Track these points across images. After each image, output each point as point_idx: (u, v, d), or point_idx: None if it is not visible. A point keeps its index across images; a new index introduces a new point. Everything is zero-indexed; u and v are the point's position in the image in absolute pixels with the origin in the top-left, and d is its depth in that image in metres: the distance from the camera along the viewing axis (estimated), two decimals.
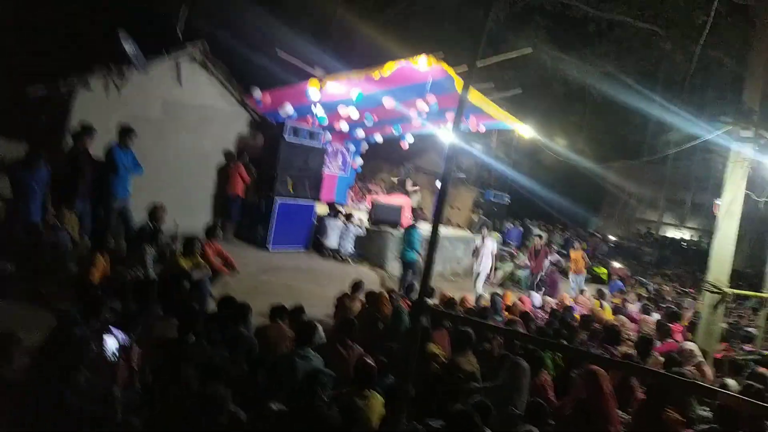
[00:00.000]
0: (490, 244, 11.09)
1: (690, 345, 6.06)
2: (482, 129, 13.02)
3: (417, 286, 8.36)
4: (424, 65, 8.86)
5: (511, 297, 8.45)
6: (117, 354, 3.46)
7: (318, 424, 3.04)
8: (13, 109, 7.13)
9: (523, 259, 13.70)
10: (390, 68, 9.12)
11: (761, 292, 7.51)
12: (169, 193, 7.90)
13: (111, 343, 3.46)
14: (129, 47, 7.63)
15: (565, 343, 5.51)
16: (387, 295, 7.02)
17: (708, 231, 17.12)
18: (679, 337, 7.20)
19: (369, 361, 4.09)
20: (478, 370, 5.03)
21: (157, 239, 6.48)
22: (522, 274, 13.04)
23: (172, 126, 8.89)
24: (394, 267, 11.07)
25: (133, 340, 3.75)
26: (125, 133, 7.06)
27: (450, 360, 5.09)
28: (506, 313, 7.54)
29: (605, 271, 15.78)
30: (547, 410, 4.17)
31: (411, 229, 9.51)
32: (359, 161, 15.59)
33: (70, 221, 6.36)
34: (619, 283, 12.92)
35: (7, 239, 5.52)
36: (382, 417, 3.77)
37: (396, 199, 13.36)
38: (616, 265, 16.19)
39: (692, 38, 15.51)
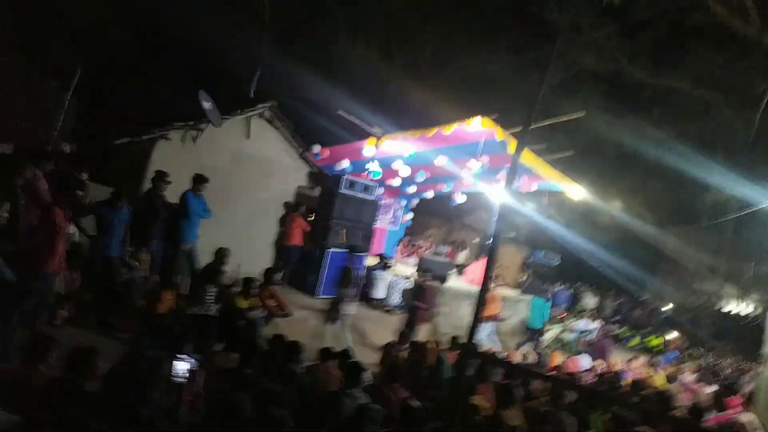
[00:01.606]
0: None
1: (748, 416, 5.83)
2: (534, 188, 13.18)
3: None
4: (477, 126, 9.25)
5: (559, 357, 8.34)
6: (185, 376, 3.77)
7: None
8: (102, 158, 7.95)
9: (572, 322, 13.42)
10: (447, 130, 9.55)
11: None
12: (232, 239, 8.38)
13: (180, 366, 3.78)
14: (207, 105, 8.41)
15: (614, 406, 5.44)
16: (432, 346, 7.12)
17: None
18: (736, 409, 6.89)
19: (414, 403, 4.23)
20: (524, 425, 5.03)
21: (219, 279, 6.91)
22: (570, 337, 12.75)
23: (238, 176, 9.56)
24: (439, 322, 11.12)
25: (199, 366, 4.06)
26: (199, 180, 7.68)
27: (495, 413, 5.12)
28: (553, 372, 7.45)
29: (661, 340, 15.18)
30: None
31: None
32: (409, 216, 15.94)
33: (143, 259, 6.90)
34: (675, 353, 12.41)
35: (88, 272, 6.06)
36: None
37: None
38: (673, 335, 15.55)
39: (751, 107, 15.39)
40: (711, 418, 6.12)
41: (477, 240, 15.61)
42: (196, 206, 7.57)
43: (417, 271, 11.96)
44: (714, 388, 8.14)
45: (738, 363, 12.83)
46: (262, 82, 9.88)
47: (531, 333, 11.74)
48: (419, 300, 9.16)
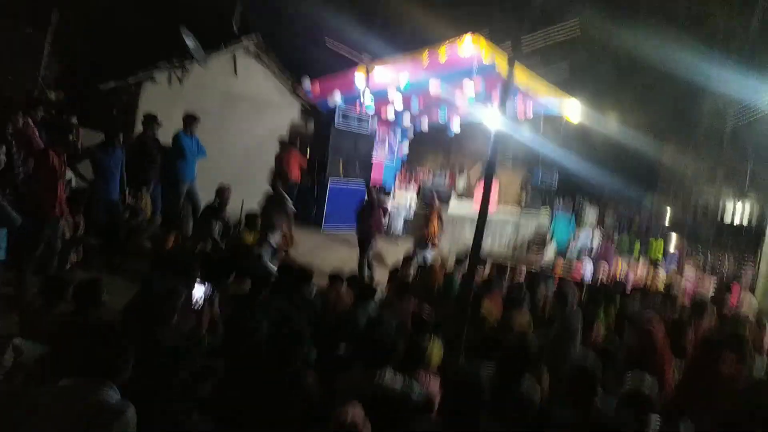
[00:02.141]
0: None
1: (746, 304, 6.02)
2: (529, 114, 13.01)
3: None
4: (469, 44, 9.01)
5: (562, 264, 8.51)
6: (202, 303, 3.86)
7: (384, 357, 3.28)
8: (88, 103, 7.79)
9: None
10: (439, 52, 9.30)
11: None
12: (229, 178, 8.36)
13: (195, 292, 3.87)
14: (190, 42, 8.16)
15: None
16: (438, 267, 7.24)
17: None
18: (737, 296, 7.09)
19: (425, 312, 4.35)
20: (531, 325, 5.20)
21: (222, 216, 6.94)
22: (573, 249, 12.94)
23: (230, 115, 9.43)
24: (443, 245, 11.27)
25: (214, 292, 4.15)
26: (190, 120, 7.57)
27: (502, 318, 5.28)
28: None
29: (662, 244, 15.36)
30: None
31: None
32: (405, 148, 15.83)
33: (144, 202, 6.90)
34: (676, 254, 12.61)
35: (90, 216, 6.08)
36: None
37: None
38: (674, 238, 15.74)
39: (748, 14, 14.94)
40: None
41: (479, 165, 15.56)
42: (189, 145, 7.50)
43: (417, 197, 12.03)
44: (715, 282, 8.36)
45: (738, 260, 13.05)
46: (245, 15, 9.54)
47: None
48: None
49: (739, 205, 25.60)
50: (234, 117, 9.51)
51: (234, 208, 7.80)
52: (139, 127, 7.57)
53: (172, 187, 7.44)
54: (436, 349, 4.04)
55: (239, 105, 9.60)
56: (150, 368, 2.93)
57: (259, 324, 4.03)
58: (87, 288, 3.59)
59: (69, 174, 5.76)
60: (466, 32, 8.87)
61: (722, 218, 24.51)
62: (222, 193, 7.14)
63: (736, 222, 24.62)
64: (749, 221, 23.12)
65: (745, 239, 17.43)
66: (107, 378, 2.30)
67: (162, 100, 8.27)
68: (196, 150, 7.62)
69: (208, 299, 4.06)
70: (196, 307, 3.91)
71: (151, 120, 7.26)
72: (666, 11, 18.20)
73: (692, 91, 22.47)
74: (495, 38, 9.10)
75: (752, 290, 7.63)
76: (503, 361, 3.51)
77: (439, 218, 9.21)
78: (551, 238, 13.40)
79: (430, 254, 8.60)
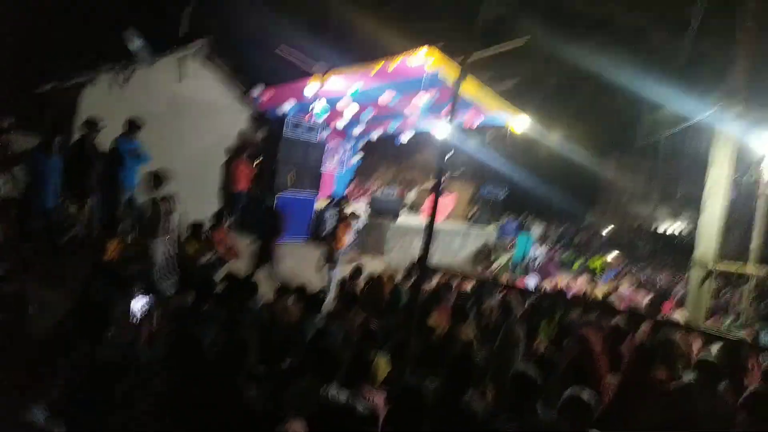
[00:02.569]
0: None
1: (677, 316, 6.35)
2: (476, 124, 13.33)
3: None
4: (422, 56, 9.14)
5: (507, 278, 8.73)
6: (141, 315, 3.71)
7: (330, 369, 3.26)
8: (25, 106, 7.40)
9: None
10: (394, 62, 9.38)
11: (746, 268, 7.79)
12: (175, 187, 8.14)
13: (134, 305, 3.72)
14: (135, 43, 7.91)
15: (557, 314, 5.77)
16: (387, 278, 7.27)
17: None
18: (669, 313, 7.48)
19: (373, 324, 4.35)
20: (477, 338, 5.29)
21: (165, 226, 6.71)
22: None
23: (175, 121, 9.15)
24: (392, 258, 11.35)
25: (154, 304, 4.00)
26: (132, 126, 7.30)
27: (450, 330, 5.34)
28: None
29: (600, 263, 16.07)
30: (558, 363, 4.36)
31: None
32: (357, 158, 15.87)
33: (82, 210, 6.60)
34: (615, 270, 13.19)
35: (24, 222, 5.76)
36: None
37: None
38: (612, 255, 16.45)
39: (679, 34, 15.89)
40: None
41: (429, 180, 15.78)
42: (128, 151, 7.23)
43: (369, 209, 12.07)
44: (650, 296, 8.77)
45: (672, 275, 13.80)
46: (195, 19, 9.34)
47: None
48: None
49: (673, 223, 27.15)
50: (181, 123, 9.25)
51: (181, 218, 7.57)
52: (78, 132, 7.24)
53: (112, 194, 7.15)
54: (381, 363, 4.05)
55: (186, 110, 9.34)
56: (84, 384, 2.80)
57: (203, 336, 3.92)
58: (10, 301, 3.39)
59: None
60: (422, 45, 8.99)
61: (655, 231, 25.94)
62: (166, 202, 6.93)
63: (669, 233, 26.12)
64: (680, 235, 24.54)
65: (679, 254, 18.44)
66: (34, 396, 2.18)
67: (104, 104, 7.94)
68: (138, 157, 7.36)
69: (147, 311, 3.92)
70: (134, 320, 3.76)
71: (90, 124, 6.97)
72: (607, 28, 19.08)
73: (630, 107, 23.68)
74: (450, 51, 9.26)
75: (682, 304, 8.05)
76: (448, 374, 3.56)
77: (348, 228, 9.14)
78: (511, 250, 13.80)
79: (337, 270, 8.47)
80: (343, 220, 9.12)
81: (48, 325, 3.80)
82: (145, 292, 4.18)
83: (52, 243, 5.98)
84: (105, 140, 7.25)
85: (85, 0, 9.07)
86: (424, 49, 8.75)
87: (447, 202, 13.97)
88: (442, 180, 4.29)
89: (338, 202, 11.22)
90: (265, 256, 7.79)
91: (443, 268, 12.51)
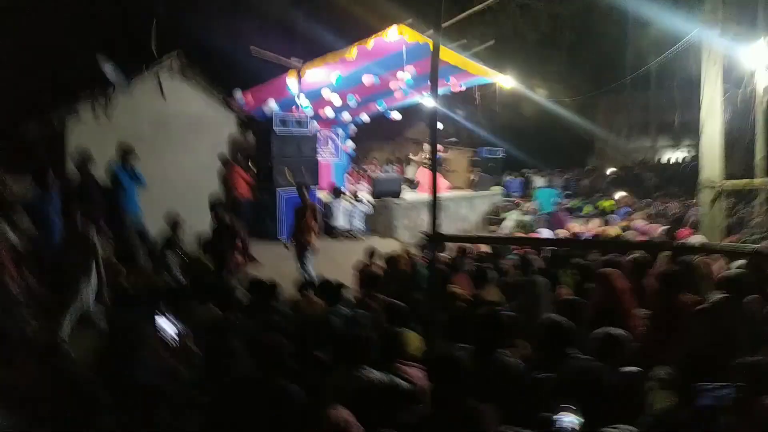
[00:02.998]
0: None
1: (697, 238, 6.35)
2: (462, 88, 13.24)
3: None
4: (394, 35, 9.08)
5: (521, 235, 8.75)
6: (174, 337, 3.76)
7: (364, 354, 3.30)
8: (11, 149, 7.41)
9: (528, 205, 13.96)
10: (366, 45, 9.33)
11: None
12: (176, 204, 8.15)
13: (162, 326, 3.77)
14: (108, 70, 7.87)
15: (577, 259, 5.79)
16: (404, 254, 7.31)
17: None
18: (685, 239, 7.46)
19: (397, 302, 4.38)
20: (502, 299, 5.32)
21: (178, 246, 6.76)
22: (529, 219, 13.30)
23: (164, 139, 9.15)
24: (404, 234, 11.38)
25: (181, 323, 4.05)
26: (125, 153, 7.31)
27: (473, 295, 5.38)
28: None
29: (611, 202, 16.01)
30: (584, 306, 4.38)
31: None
32: (350, 144, 15.83)
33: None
34: (626, 208, 13.12)
35: (37, 266, 5.80)
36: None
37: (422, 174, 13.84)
38: (620, 194, 16.38)
39: None
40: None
41: (422, 152, 15.70)
42: (124, 177, 7.25)
43: (370, 193, 12.09)
44: (664, 226, 8.75)
45: (683, 203, 13.72)
46: (163, 35, 9.26)
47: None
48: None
49: (675, 151, 26.95)
50: (169, 139, 9.24)
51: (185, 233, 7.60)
52: (69, 166, 7.27)
53: (118, 224, 7.18)
54: (412, 338, 4.09)
55: (172, 126, 9.33)
56: (130, 411, 2.85)
57: (236, 347, 3.97)
58: (50, 349, 3.45)
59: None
60: (389, 25, 8.92)
61: (659, 163, 25.77)
62: (172, 222, 6.97)
63: (672, 161, 25.94)
64: (684, 162, 24.37)
65: (685, 181, 18.32)
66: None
67: (90, 133, 7.96)
68: (135, 181, 7.38)
69: (178, 333, 3.96)
70: (168, 343, 3.81)
71: (83, 156, 6.99)
72: None
73: (615, 42, 23.42)
74: (418, 27, 9.20)
75: (696, 228, 8.03)
76: (478, 337, 3.59)
77: (314, 218, 8.28)
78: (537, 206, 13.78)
79: (311, 263, 7.81)
80: (305, 207, 8.04)
81: (83, 361, 3.87)
82: (170, 312, 4.21)
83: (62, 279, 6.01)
84: (98, 169, 7.27)
85: (54, 34, 8.97)
86: (393, 27, 8.66)
87: (425, 175, 13.83)
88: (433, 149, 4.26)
89: (340, 191, 11.23)
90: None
91: (454, 234, 12.65)
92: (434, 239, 3.80)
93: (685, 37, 7.72)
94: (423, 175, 14.03)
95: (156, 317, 3.84)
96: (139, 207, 7.44)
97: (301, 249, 7.78)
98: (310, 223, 7.89)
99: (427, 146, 15.34)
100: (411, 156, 15.06)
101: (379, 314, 4.64)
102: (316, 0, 15.19)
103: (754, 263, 4.50)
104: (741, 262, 5.03)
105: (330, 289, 5.04)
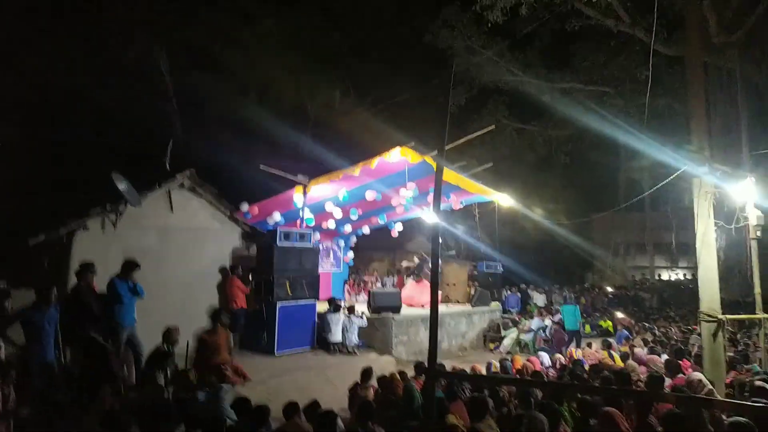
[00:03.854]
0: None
1: (697, 375, 6.20)
2: (462, 205, 13.64)
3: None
4: (397, 156, 9.54)
5: (520, 360, 8.53)
6: None
7: None
8: (18, 259, 7.52)
9: (527, 323, 13.79)
10: (370, 165, 9.78)
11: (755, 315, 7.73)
12: (173, 316, 8.07)
13: None
14: (122, 186, 8.18)
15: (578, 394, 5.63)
16: (398, 377, 7.11)
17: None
18: (688, 371, 7.30)
19: None
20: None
21: (167, 363, 6.61)
22: (527, 338, 13.10)
23: (167, 251, 9.31)
24: (401, 351, 11.14)
25: None
26: (129, 267, 7.35)
27: (470, 428, 5.17)
28: (517, 375, 7.60)
29: (610, 323, 15.86)
30: None
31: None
32: (350, 255, 15.98)
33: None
34: (625, 332, 12.97)
35: (23, 383, 5.66)
36: None
37: (422, 288, 13.78)
38: (619, 315, 16.27)
39: (640, 91, 16.84)
40: (669, 383, 6.46)
41: (409, 263, 15.77)
42: (124, 290, 7.25)
43: (368, 307, 11.99)
44: (665, 356, 8.59)
45: (683, 328, 13.59)
46: (177, 153, 9.76)
47: (570, 335, 12.81)
48: None
49: (672, 269, 27.11)
50: (173, 251, 9.41)
51: (180, 347, 7.47)
52: (72, 279, 7.30)
53: (111, 335, 7.09)
54: None
55: (177, 238, 9.54)
56: None
57: None
58: None
59: None
60: (394, 147, 9.40)
61: (658, 280, 25.80)
62: (170, 336, 6.88)
63: (672, 279, 25.96)
64: (684, 280, 24.41)
65: (685, 300, 18.24)
66: None
67: (96, 246, 8.12)
68: (133, 293, 7.37)
69: None
70: None
71: (85, 269, 7.06)
72: (570, 97, 20.05)
73: (607, 164, 24.50)
74: (421, 149, 9.69)
75: (698, 357, 7.89)
76: None
77: (228, 345, 7.64)
78: (518, 325, 13.67)
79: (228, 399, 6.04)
80: (215, 332, 7.13)
81: None
82: None
83: (56, 399, 5.83)
84: (101, 280, 7.31)
85: (71, 149, 9.49)
86: (397, 149, 9.13)
87: (411, 289, 13.85)
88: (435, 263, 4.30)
89: (339, 306, 11.16)
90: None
91: (453, 353, 12.37)
92: (431, 375, 3.74)
93: (674, 165, 8.07)
94: (410, 288, 14.02)
95: None
96: (134, 319, 7.37)
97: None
98: (224, 354, 6.86)
99: (414, 257, 15.46)
100: (405, 264, 15.18)
101: None
102: (323, 127, 16.21)
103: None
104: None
105: (322, 419, 4.85)
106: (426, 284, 14.19)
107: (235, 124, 14.29)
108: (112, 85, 12.31)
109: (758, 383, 5.60)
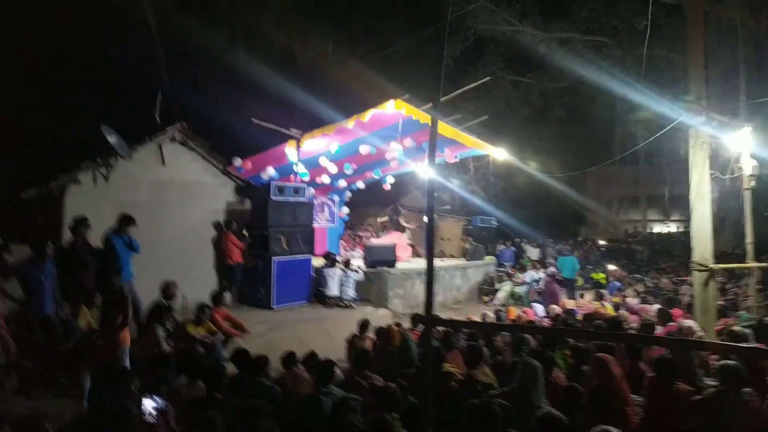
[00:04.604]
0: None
1: (689, 322, 6.34)
2: (457, 159, 13.56)
3: None
4: (392, 109, 9.38)
5: (515, 311, 8.69)
6: (156, 416, 3.65)
7: None
8: (10, 214, 7.44)
9: (521, 276, 13.97)
10: (362, 118, 9.62)
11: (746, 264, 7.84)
12: (169, 270, 8.08)
13: (147, 406, 3.66)
14: (112, 139, 8.03)
15: (571, 341, 5.74)
16: (395, 328, 7.23)
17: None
18: (679, 320, 7.45)
19: (390, 384, 4.29)
20: (495, 381, 5.22)
21: (168, 315, 6.66)
22: (521, 290, 13.28)
23: (161, 205, 9.24)
24: (396, 304, 11.30)
25: (167, 403, 3.93)
26: (125, 222, 7.31)
27: (466, 375, 5.28)
28: None
29: (603, 275, 16.10)
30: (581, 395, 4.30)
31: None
32: (345, 210, 15.97)
33: (83, 313, 6.51)
34: (617, 283, 13.19)
35: (24, 336, 5.70)
36: None
37: (391, 238, 13.76)
38: (612, 267, 16.50)
39: (638, 42, 16.54)
40: (660, 331, 6.60)
41: (385, 216, 15.66)
42: (120, 245, 7.23)
43: (363, 261, 12.07)
44: (657, 305, 8.75)
45: (674, 279, 13.81)
46: (167, 105, 9.54)
47: (565, 283, 13.14)
48: None
49: (665, 223, 27.34)
50: (166, 205, 9.33)
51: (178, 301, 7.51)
52: (66, 233, 7.26)
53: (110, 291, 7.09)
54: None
55: (170, 193, 9.44)
56: None
57: (216, 420, 3.85)
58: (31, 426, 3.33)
59: None
60: (388, 99, 9.22)
61: (651, 234, 26.06)
62: (168, 290, 6.91)
63: (664, 232, 26.24)
64: (676, 233, 24.66)
65: (677, 253, 18.48)
66: None
67: (88, 200, 8.03)
68: (129, 248, 7.36)
69: (160, 410, 3.84)
70: (149, 421, 3.69)
71: (79, 224, 7.00)
72: (567, 47, 19.69)
73: (604, 117, 24.33)
74: (416, 100, 9.52)
75: (690, 306, 8.04)
76: (469, 428, 3.51)
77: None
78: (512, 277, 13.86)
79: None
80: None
81: None
82: (156, 389, 4.11)
83: (56, 351, 5.91)
84: (95, 234, 7.27)
85: (58, 102, 9.26)
86: (391, 102, 8.96)
87: (399, 241, 13.79)
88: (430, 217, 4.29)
89: (335, 260, 11.22)
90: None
91: (448, 306, 12.56)
92: (428, 322, 3.77)
93: (671, 117, 8.01)
94: (391, 239, 14.05)
95: (137, 397, 3.73)
96: (132, 274, 7.38)
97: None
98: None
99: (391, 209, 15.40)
100: (403, 222, 15.15)
101: (370, 396, 4.54)
102: (316, 78, 15.83)
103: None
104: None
105: (321, 367, 4.93)
106: (395, 234, 14.26)
107: (225, 75, 13.93)
108: (98, 33, 11.90)
109: (735, 329, 5.74)
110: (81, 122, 8.93)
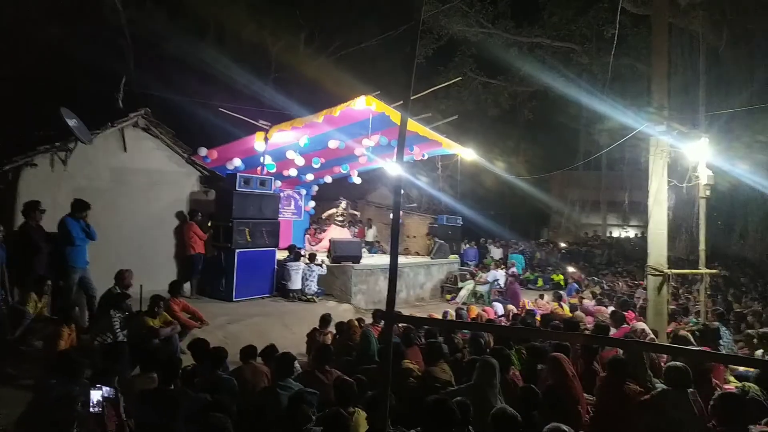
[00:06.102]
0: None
1: (641, 325, 6.54)
2: (425, 157, 13.64)
3: None
4: (362, 105, 9.36)
5: (475, 309, 8.80)
6: (104, 407, 3.55)
7: None
8: None
9: (483, 276, 14.15)
10: (333, 113, 9.57)
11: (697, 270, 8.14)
12: (128, 259, 7.92)
13: (96, 397, 3.56)
14: (72, 122, 7.75)
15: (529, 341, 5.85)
16: (356, 323, 7.23)
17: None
18: (633, 322, 7.68)
19: (348, 379, 4.29)
20: (452, 377, 5.29)
21: (123, 304, 6.50)
22: (483, 289, 13.46)
23: (121, 192, 9.01)
24: (359, 300, 11.30)
25: (117, 392, 3.84)
26: (79, 206, 7.07)
27: (425, 371, 5.33)
28: None
29: (562, 277, 16.48)
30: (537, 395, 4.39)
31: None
32: (311, 204, 15.87)
33: (32, 299, 6.29)
34: (575, 285, 13.51)
35: None
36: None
37: (332, 233, 13.85)
38: (570, 269, 16.89)
39: (605, 50, 16.98)
40: (615, 333, 6.79)
41: (330, 212, 15.66)
42: (77, 230, 7.00)
43: (328, 255, 12.03)
44: (612, 308, 9.00)
45: (629, 283, 14.24)
46: (131, 91, 9.28)
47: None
48: None
49: (624, 228, 28.14)
50: (127, 193, 9.10)
51: (134, 291, 7.33)
52: (19, 218, 6.99)
53: (62, 277, 6.88)
54: (361, 419, 3.99)
55: (132, 180, 9.21)
56: None
57: (173, 422, 3.78)
58: None
59: None
60: (359, 95, 9.21)
61: (610, 238, 26.82)
62: (122, 278, 6.72)
63: (622, 237, 27.06)
64: (634, 238, 25.42)
65: (634, 258, 19.05)
66: None
67: (45, 184, 7.75)
68: (86, 234, 7.13)
69: (110, 400, 3.74)
70: (96, 411, 3.58)
71: (31, 207, 6.75)
72: (535, 53, 20.04)
73: (568, 122, 24.89)
74: (386, 97, 9.54)
75: (643, 309, 8.30)
76: (429, 422, 3.54)
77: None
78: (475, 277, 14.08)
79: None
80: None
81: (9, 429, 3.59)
82: (107, 380, 4.00)
83: (3, 339, 5.68)
84: (52, 221, 7.04)
85: (18, 84, 8.90)
86: (362, 98, 8.96)
87: (339, 237, 13.86)
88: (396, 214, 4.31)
89: (299, 254, 11.14)
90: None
91: (411, 303, 12.64)
92: (390, 319, 3.78)
93: (634, 127, 8.25)
94: (334, 233, 14.15)
95: (86, 385, 3.63)
96: (86, 261, 7.16)
97: None
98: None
99: (343, 203, 15.45)
100: (324, 215, 15.22)
101: (329, 389, 4.53)
102: (286, 72, 15.65)
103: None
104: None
105: (280, 360, 4.88)
106: (336, 229, 14.38)
107: (192, 65, 13.65)
108: (61, 15, 11.49)
109: (682, 333, 5.98)
110: (40, 106, 8.60)
